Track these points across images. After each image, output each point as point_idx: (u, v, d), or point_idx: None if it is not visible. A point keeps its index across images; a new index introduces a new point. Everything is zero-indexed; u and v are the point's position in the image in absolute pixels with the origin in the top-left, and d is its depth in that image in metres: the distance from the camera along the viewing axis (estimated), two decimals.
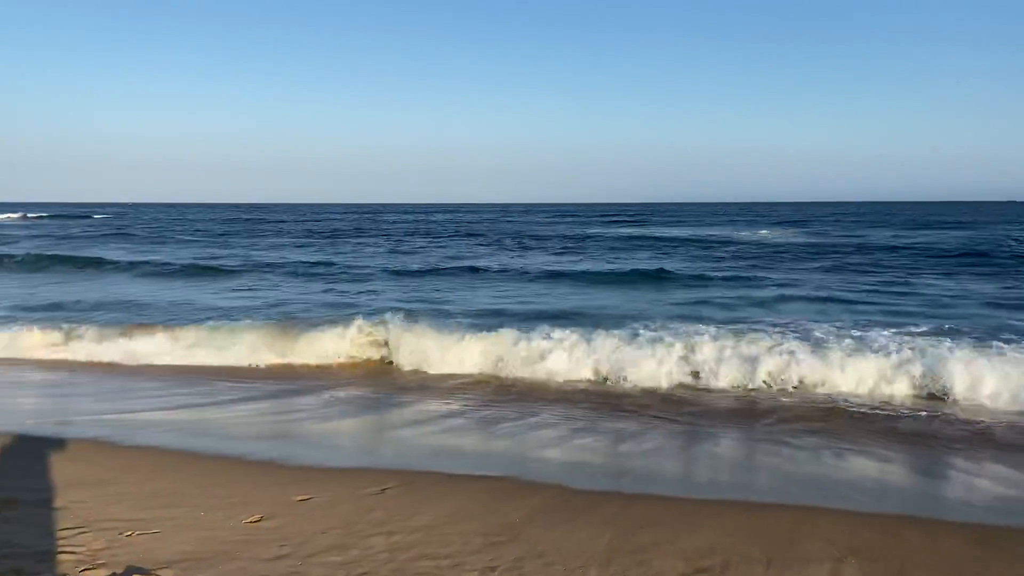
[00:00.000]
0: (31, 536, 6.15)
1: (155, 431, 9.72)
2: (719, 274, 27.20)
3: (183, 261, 34.36)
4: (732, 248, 41.06)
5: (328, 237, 57.20)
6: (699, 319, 15.68)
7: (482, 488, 7.52)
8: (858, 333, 13.52)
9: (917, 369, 11.40)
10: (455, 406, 11.08)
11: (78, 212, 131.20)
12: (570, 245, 45.60)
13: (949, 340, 12.71)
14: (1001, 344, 12.28)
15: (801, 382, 11.59)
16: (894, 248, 38.29)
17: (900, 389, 11.28)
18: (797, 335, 13.37)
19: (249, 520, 6.59)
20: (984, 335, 13.49)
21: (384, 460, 8.60)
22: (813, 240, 46.73)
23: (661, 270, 27.77)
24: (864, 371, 11.52)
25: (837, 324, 14.87)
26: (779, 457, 8.79)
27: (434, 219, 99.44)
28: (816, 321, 15.54)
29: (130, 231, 66.14)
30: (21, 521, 6.51)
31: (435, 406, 11.12)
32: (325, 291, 24.00)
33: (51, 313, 18.56)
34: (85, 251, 40.35)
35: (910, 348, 12.05)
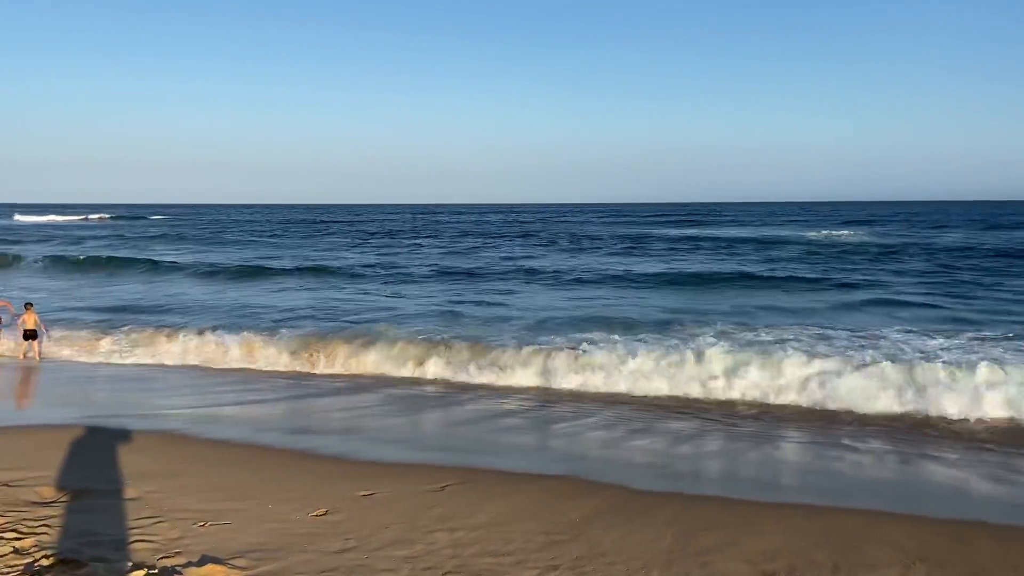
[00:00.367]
0: (109, 525, 6.40)
1: (224, 425, 10.04)
2: (811, 275, 26.39)
3: (247, 263, 35.21)
4: (805, 248, 39.85)
5: (385, 237, 58.04)
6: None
7: (541, 487, 7.56)
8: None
9: None
10: None
11: (135, 214, 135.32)
12: (637, 246, 44.76)
13: None
14: None
15: None
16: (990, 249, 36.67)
17: None
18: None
19: (314, 514, 6.75)
20: None
21: (446, 457, 8.69)
22: (884, 240, 45.50)
23: (743, 274, 27.03)
24: None
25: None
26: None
27: (489, 219, 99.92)
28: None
29: (189, 232, 67.95)
30: (98, 510, 6.77)
31: None
32: (392, 294, 24.34)
33: (137, 315, 19.26)
34: (161, 253, 41.59)
35: None
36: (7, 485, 7.37)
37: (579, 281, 26.74)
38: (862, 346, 13.21)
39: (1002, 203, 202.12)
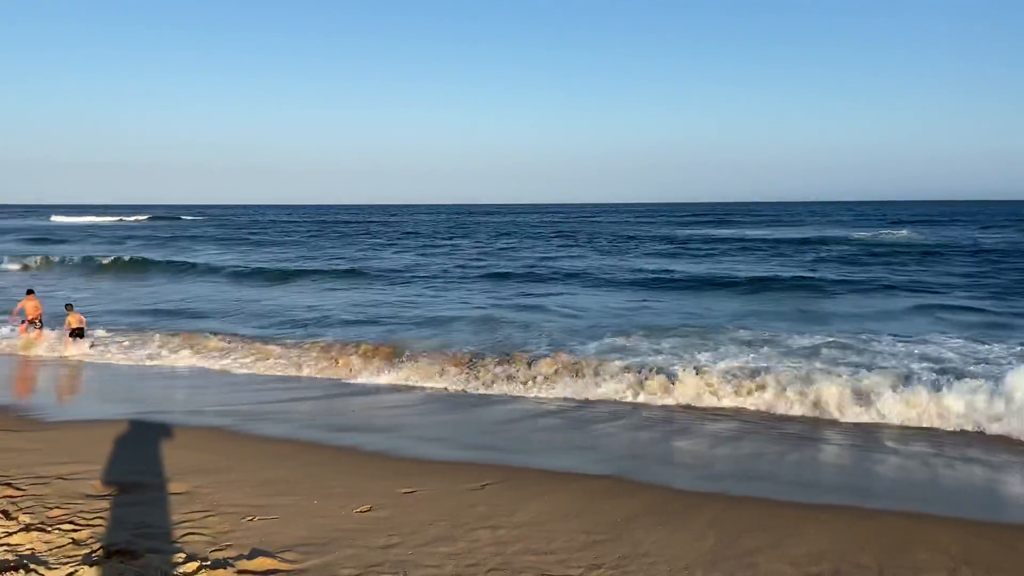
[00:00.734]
0: (162, 518, 6.58)
1: (269, 422, 10.25)
2: (861, 276, 25.77)
3: (284, 265, 35.64)
4: (871, 249, 38.90)
5: (421, 237, 58.45)
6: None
7: (582, 487, 7.60)
8: None
9: None
10: None
11: (169, 214, 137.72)
12: (682, 248, 44.15)
13: None
14: None
15: None
16: None
17: None
18: None
19: (359, 510, 6.86)
20: None
21: (485, 456, 8.76)
22: (934, 240, 44.59)
23: (798, 278, 26.36)
24: None
25: None
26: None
27: (524, 220, 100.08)
28: None
29: (227, 234, 69.03)
30: (150, 503, 6.96)
31: None
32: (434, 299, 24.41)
33: (178, 319, 19.58)
34: (202, 255, 42.27)
35: None
36: (62, 478, 7.61)
37: (631, 284, 26.51)
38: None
39: None
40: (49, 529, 6.13)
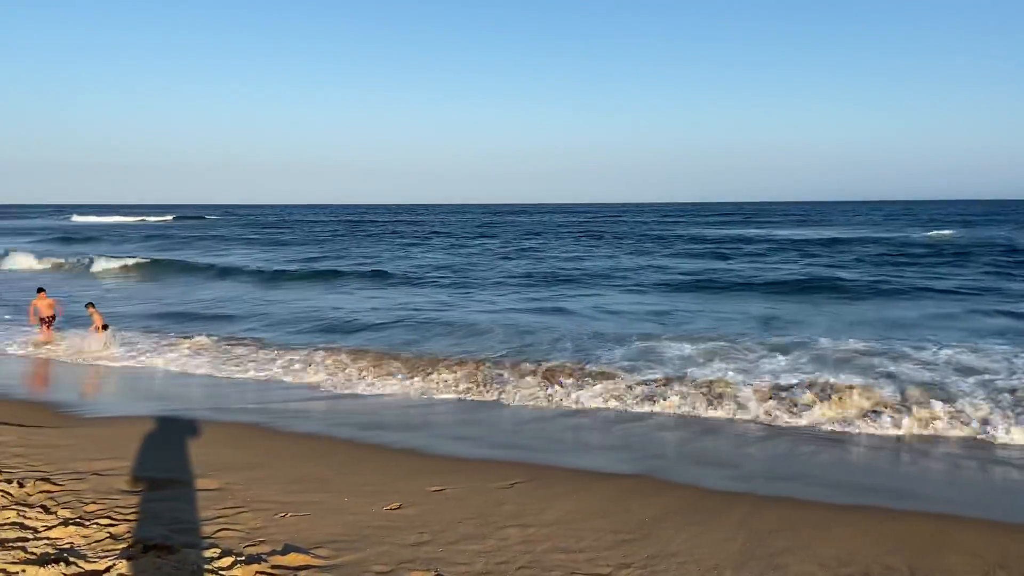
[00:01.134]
0: (196, 513, 6.69)
1: (301, 419, 10.38)
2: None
3: (313, 267, 35.82)
4: (921, 251, 37.97)
5: (449, 237, 58.62)
6: None
7: (610, 486, 7.62)
8: None
9: None
10: None
11: (192, 214, 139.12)
12: (723, 248, 43.35)
13: None
14: None
15: None
16: None
17: None
18: None
19: (389, 507, 6.93)
20: None
21: (513, 455, 8.80)
22: (971, 240, 43.91)
23: (842, 279, 25.66)
24: None
25: None
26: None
27: (552, 219, 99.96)
28: None
29: (253, 233, 69.61)
30: (184, 499, 7.07)
31: None
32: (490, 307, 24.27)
33: (208, 323, 19.68)
34: (222, 255, 42.54)
35: None
36: (97, 474, 7.75)
37: (662, 286, 25.98)
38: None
39: None
40: (87, 524, 6.26)
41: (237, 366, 13.94)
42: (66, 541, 5.91)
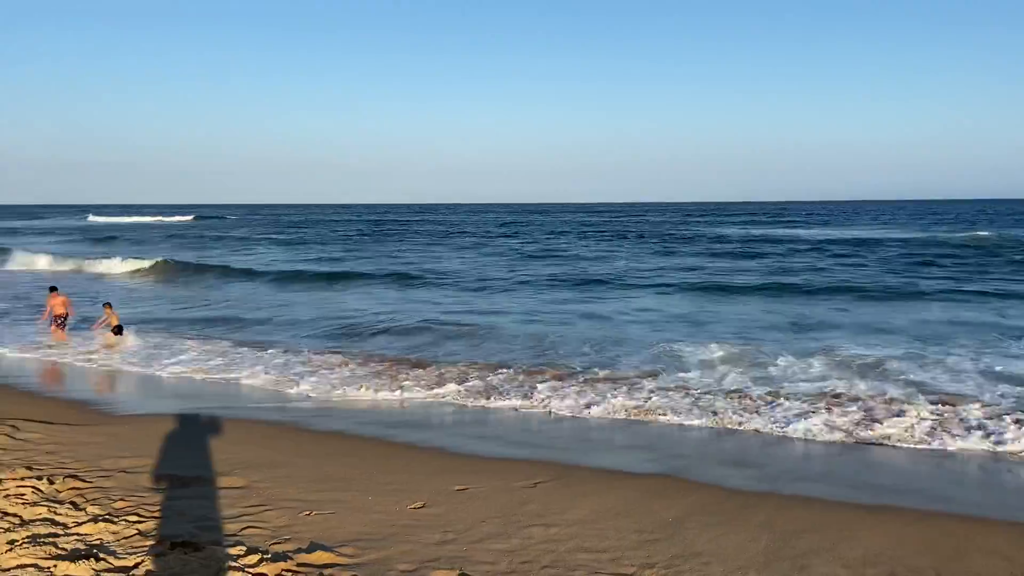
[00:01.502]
0: (222, 511, 6.76)
1: (325, 418, 10.47)
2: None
3: (334, 267, 35.92)
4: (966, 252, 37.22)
5: (474, 237, 58.75)
6: None
7: (633, 485, 7.62)
8: None
9: None
10: None
11: (212, 214, 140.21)
12: (751, 250, 42.81)
13: None
14: None
15: None
16: None
17: None
18: None
19: (413, 506, 6.97)
20: None
21: (536, 454, 8.81)
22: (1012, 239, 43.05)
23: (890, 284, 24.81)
24: None
25: None
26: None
27: (581, 219, 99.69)
28: None
29: (277, 234, 70.07)
30: (210, 497, 7.15)
31: None
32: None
33: (236, 328, 19.72)
34: (246, 256, 42.60)
35: None
36: (124, 471, 7.85)
37: (688, 288, 25.50)
38: None
39: None
40: (116, 520, 6.34)
41: (254, 367, 14.01)
42: (96, 537, 5.99)
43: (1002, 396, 11.06)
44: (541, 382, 12.34)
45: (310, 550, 5.84)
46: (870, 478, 8.04)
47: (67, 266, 36.94)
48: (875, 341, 15.48)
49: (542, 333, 17.05)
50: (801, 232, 61.12)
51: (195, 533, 6.17)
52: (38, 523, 6.24)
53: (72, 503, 6.78)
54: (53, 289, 17.63)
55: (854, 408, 10.58)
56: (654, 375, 12.61)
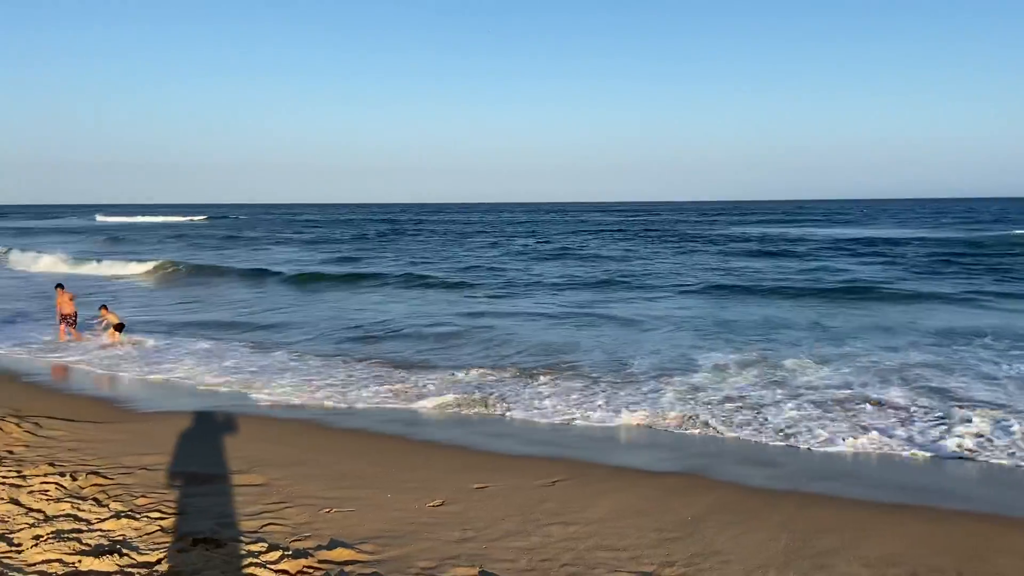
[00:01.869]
0: (243, 508, 6.81)
1: (345, 415, 10.54)
2: None
3: (350, 268, 35.86)
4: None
5: (488, 236, 58.73)
6: None
7: (653, 484, 7.61)
8: None
9: None
10: None
11: (218, 213, 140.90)
12: (770, 248, 42.24)
13: None
14: None
15: None
16: None
17: None
18: None
19: (432, 504, 7.00)
20: None
21: (554, 452, 8.82)
22: None
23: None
24: None
25: None
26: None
27: (599, 219, 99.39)
28: None
29: (289, 234, 70.31)
30: (231, 494, 7.20)
31: None
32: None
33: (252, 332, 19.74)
34: (264, 257, 42.46)
35: None
36: (145, 468, 7.93)
37: (710, 289, 25.10)
38: None
39: None
40: (138, 517, 6.41)
41: (270, 367, 14.03)
42: (118, 533, 6.06)
43: None
44: (556, 386, 12.09)
45: (331, 547, 5.88)
46: (890, 477, 8.00)
47: (81, 268, 36.53)
48: (898, 343, 15.19)
49: (560, 336, 16.85)
50: (819, 231, 60.69)
51: (216, 530, 6.22)
52: (62, 519, 6.32)
53: (95, 499, 6.85)
54: (60, 286, 17.65)
55: (879, 415, 10.29)
56: (673, 379, 12.30)
